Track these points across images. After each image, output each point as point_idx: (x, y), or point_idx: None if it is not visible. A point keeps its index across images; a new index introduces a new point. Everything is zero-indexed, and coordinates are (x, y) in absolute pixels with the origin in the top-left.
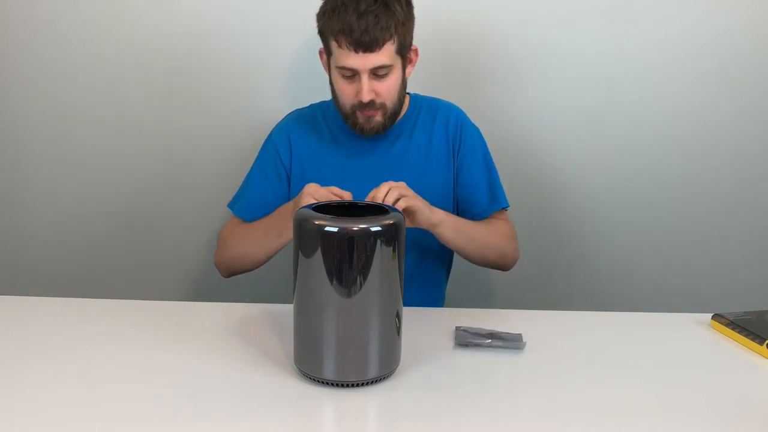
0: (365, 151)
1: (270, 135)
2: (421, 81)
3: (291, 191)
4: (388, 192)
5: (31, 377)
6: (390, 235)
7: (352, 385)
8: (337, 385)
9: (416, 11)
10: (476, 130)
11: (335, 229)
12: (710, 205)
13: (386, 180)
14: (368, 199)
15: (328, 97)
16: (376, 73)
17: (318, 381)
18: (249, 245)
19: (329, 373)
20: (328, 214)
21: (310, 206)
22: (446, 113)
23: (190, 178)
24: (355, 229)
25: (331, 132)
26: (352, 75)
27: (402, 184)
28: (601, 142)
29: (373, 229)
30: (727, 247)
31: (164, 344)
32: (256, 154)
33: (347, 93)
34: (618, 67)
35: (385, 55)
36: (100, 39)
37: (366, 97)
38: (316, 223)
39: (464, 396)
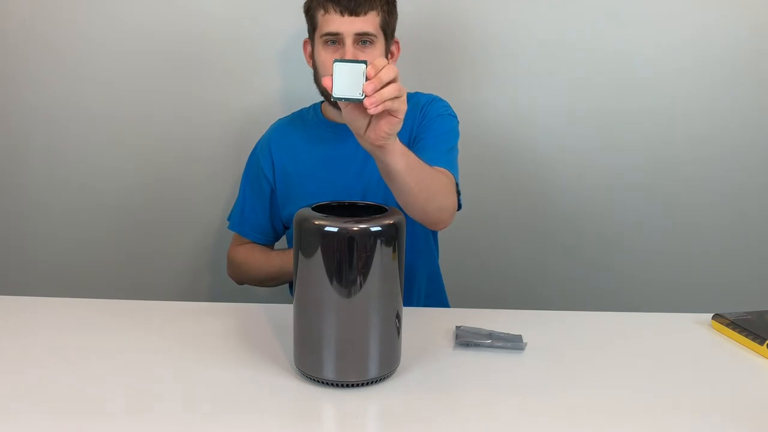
0: (343, 138)
1: (254, 149)
2: (420, 79)
3: (278, 198)
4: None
5: (30, 377)
6: (390, 235)
7: (352, 385)
8: (337, 385)
9: (411, 6)
10: (447, 106)
11: (335, 229)
12: (710, 205)
13: (366, 168)
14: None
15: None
16: (361, 41)
17: (318, 381)
18: (263, 277)
19: (329, 373)
20: (328, 214)
21: (310, 206)
22: (422, 97)
23: (191, 177)
24: (355, 229)
25: (309, 127)
26: (336, 42)
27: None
28: (600, 141)
29: (373, 229)
30: (728, 246)
31: (164, 344)
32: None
33: (329, 61)
34: (621, 65)
35: (370, 23)
36: (102, 36)
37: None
38: (316, 223)
39: (464, 396)
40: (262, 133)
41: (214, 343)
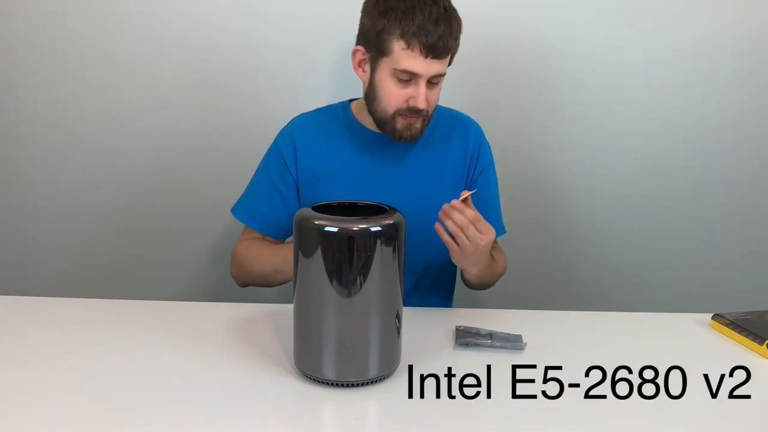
0: (381, 154)
1: (275, 141)
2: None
3: (302, 196)
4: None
5: (31, 377)
6: (390, 235)
7: (352, 385)
8: (337, 385)
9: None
10: (490, 149)
11: (335, 229)
12: (710, 205)
13: (401, 184)
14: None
15: (335, 100)
16: (432, 80)
17: (318, 381)
18: (268, 269)
19: (329, 373)
20: (328, 214)
21: (310, 206)
22: (466, 127)
23: (193, 178)
24: (355, 229)
25: (340, 127)
26: (409, 80)
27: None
28: (600, 142)
29: (373, 229)
30: (728, 246)
31: (164, 344)
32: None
33: (397, 96)
34: (625, 68)
35: (446, 64)
36: (111, 40)
37: (422, 104)
38: (316, 223)
39: (464, 396)
40: (264, 136)
41: (214, 343)
